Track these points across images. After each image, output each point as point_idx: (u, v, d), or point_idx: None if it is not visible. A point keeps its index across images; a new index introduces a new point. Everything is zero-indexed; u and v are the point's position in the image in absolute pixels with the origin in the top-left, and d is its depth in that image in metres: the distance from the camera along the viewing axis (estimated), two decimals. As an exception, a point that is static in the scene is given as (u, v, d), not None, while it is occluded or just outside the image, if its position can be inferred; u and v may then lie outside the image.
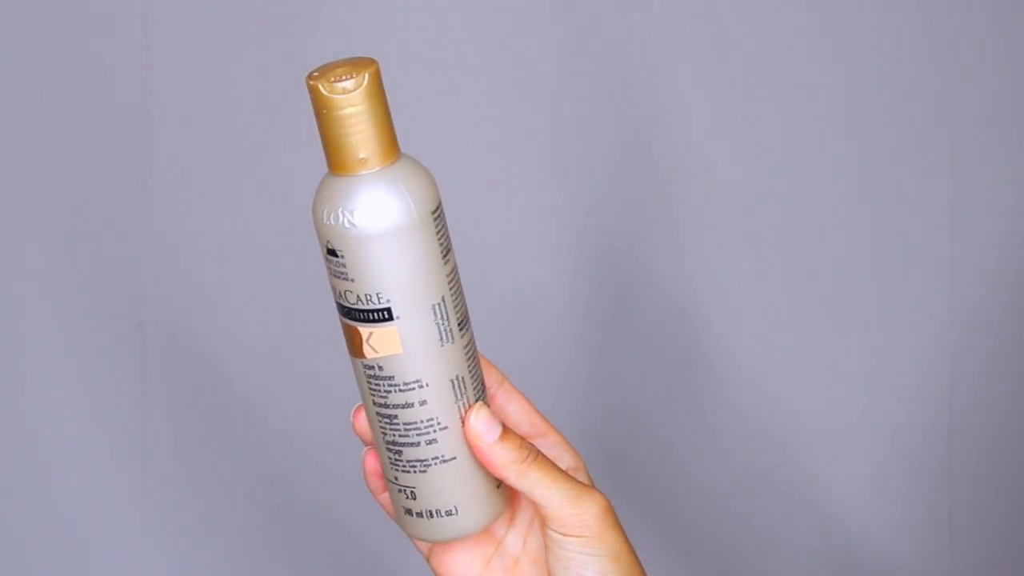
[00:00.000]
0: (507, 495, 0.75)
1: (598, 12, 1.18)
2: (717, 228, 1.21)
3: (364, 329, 0.70)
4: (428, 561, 0.77)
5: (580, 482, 0.73)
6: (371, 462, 0.75)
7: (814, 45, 1.20)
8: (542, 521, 0.73)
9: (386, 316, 0.69)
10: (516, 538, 0.77)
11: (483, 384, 0.74)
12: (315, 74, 0.67)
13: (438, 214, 0.70)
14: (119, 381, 1.20)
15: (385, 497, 0.77)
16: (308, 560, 1.22)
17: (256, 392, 1.21)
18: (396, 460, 0.72)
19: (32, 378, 1.20)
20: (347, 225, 0.68)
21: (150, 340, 1.20)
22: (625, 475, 1.22)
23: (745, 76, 1.20)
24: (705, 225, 1.21)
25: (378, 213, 0.68)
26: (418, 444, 0.71)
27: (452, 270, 0.71)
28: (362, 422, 0.74)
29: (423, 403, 0.71)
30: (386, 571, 1.22)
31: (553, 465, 0.73)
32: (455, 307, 0.71)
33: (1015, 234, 1.23)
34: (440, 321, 0.70)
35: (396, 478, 0.73)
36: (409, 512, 0.73)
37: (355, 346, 0.71)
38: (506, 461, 0.71)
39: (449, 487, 0.72)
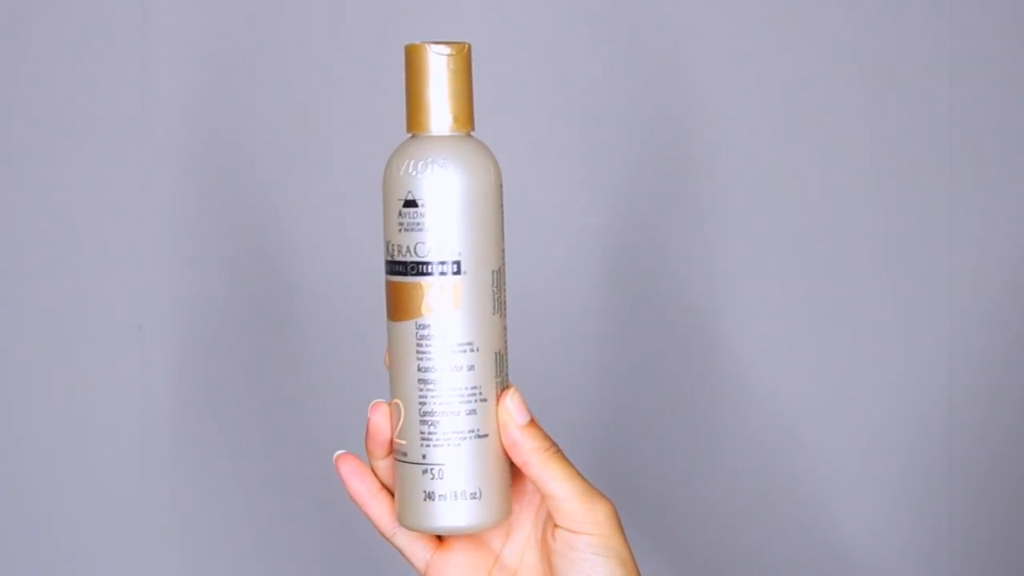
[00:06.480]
0: (511, 500, 0.76)
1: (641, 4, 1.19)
2: (719, 231, 1.21)
3: (427, 283, 0.72)
4: None
5: (592, 485, 0.74)
6: (379, 418, 0.75)
7: (815, 49, 1.21)
8: (552, 521, 0.73)
9: (455, 270, 0.72)
10: (513, 552, 0.77)
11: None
12: (416, 43, 0.72)
13: (502, 190, 0.74)
14: (119, 381, 1.20)
15: (383, 466, 0.76)
16: (307, 563, 1.22)
17: (255, 392, 1.21)
18: (431, 433, 0.73)
19: (32, 378, 1.20)
20: (436, 174, 0.72)
21: (150, 340, 1.20)
22: (629, 474, 1.22)
23: (746, 79, 1.20)
24: (709, 228, 1.21)
25: (468, 168, 0.72)
26: (458, 413, 0.73)
27: (504, 249, 0.74)
28: (379, 416, 0.74)
29: (471, 368, 0.73)
30: None
31: (571, 464, 0.74)
32: (503, 283, 0.74)
33: (1015, 235, 1.23)
34: (494, 289, 0.73)
35: (424, 456, 0.73)
36: (430, 496, 0.73)
37: (412, 305, 0.73)
38: (532, 447, 0.73)
39: (478, 466, 0.73)
